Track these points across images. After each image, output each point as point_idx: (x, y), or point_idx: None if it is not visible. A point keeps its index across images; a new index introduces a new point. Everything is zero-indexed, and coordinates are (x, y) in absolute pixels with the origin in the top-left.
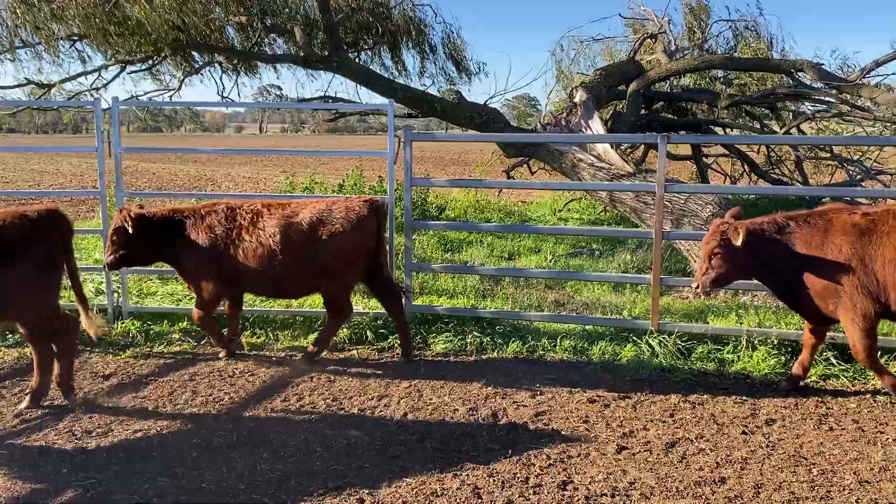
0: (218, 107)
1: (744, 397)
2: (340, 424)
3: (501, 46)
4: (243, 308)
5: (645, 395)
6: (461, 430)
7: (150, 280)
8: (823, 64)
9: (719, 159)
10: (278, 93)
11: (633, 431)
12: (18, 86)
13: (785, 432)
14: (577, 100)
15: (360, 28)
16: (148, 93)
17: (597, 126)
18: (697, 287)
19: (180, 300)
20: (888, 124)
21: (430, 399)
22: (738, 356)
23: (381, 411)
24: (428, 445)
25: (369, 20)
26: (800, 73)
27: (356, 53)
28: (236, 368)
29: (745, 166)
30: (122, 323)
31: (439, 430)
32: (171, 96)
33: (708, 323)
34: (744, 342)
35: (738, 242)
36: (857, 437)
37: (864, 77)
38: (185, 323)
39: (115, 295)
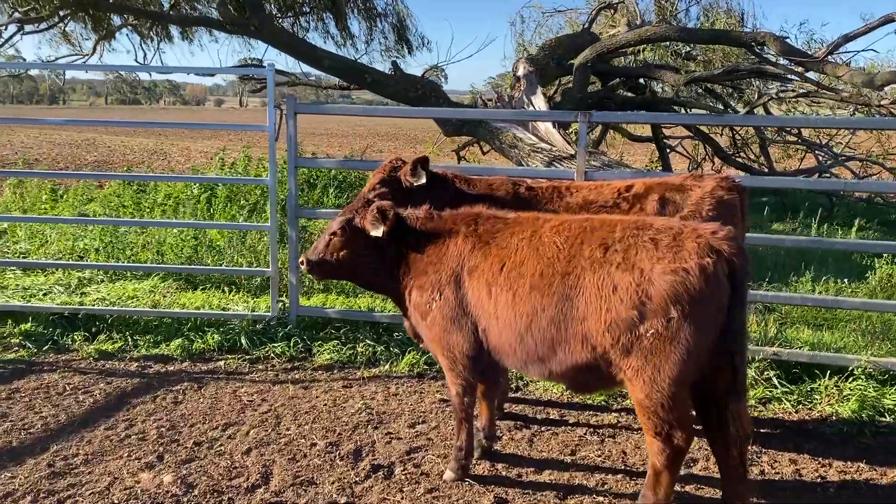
0: (69, 69)
1: None
2: (160, 464)
3: (443, 14)
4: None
5: (546, 425)
6: (307, 476)
7: (11, 271)
8: (788, 38)
9: (684, 142)
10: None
11: (523, 473)
12: None
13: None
14: (519, 73)
15: None
16: (60, 58)
17: (539, 102)
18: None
19: (33, 295)
20: (859, 106)
21: (287, 429)
22: None
23: (221, 445)
24: (258, 498)
25: None
26: (762, 47)
27: (294, 18)
28: (69, 383)
29: (709, 149)
30: None
31: (281, 474)
32: (84, 61)
33: None
34: None
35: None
36: None
37: (831, 54)
38: (28, 324)
39: None
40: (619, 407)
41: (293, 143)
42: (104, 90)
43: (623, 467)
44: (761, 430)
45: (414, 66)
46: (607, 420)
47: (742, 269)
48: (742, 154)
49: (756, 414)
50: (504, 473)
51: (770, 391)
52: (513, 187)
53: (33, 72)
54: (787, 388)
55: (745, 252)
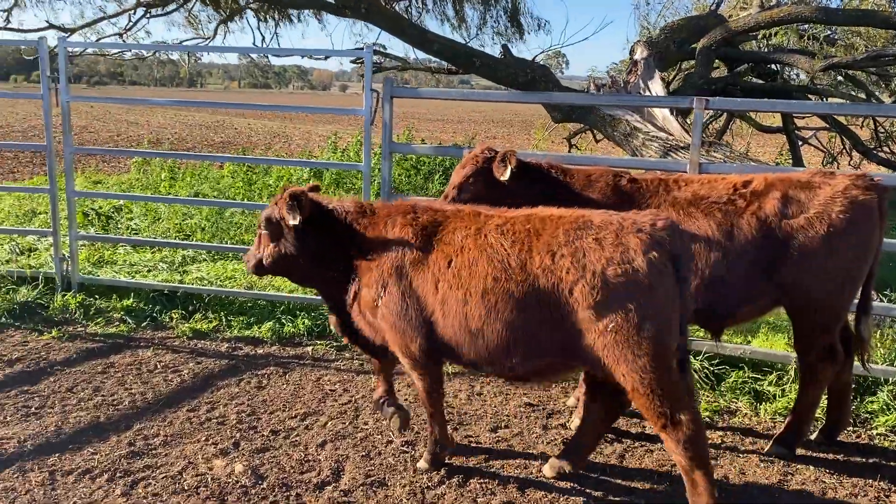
0: (156, 49)
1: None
2: (235, 451)
3: None
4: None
5: (640, 440)
6: (378, 476)
7: (122, 247)
8: None
9: (819, 133)
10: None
11: (610, 492)
12: (38, 30)
13: None
14: (636, 57)
15: None
16: (184, 41)
17: (657, 88)
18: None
19: (138, 272)
20: None
21: (365, 423)
22: (783, 390)
23: (297, 435)
24: (326, 496)
25: None
26: None
27: (408, 2)
28: (161, 361)
29: (846, 142)
30: (64, 296)
31: (352, 472)
32: (207, 44)
33: (749, 343)
34: (792, 373)
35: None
36: None
37: None
38: (130, 299)
39: (65, 263)
40: (726, 425)
41: (388, 128)
42: (238, 74)
43: (724, 496)
44: None
45: (525, 51)
46: (711, 438)
47: (683, 257)
48: (885, 148)
49: (886, 444)
50: (589, 491)
51: None
52: (613, 179)
53: (174, 56)
54: None
55: (684, 239)
